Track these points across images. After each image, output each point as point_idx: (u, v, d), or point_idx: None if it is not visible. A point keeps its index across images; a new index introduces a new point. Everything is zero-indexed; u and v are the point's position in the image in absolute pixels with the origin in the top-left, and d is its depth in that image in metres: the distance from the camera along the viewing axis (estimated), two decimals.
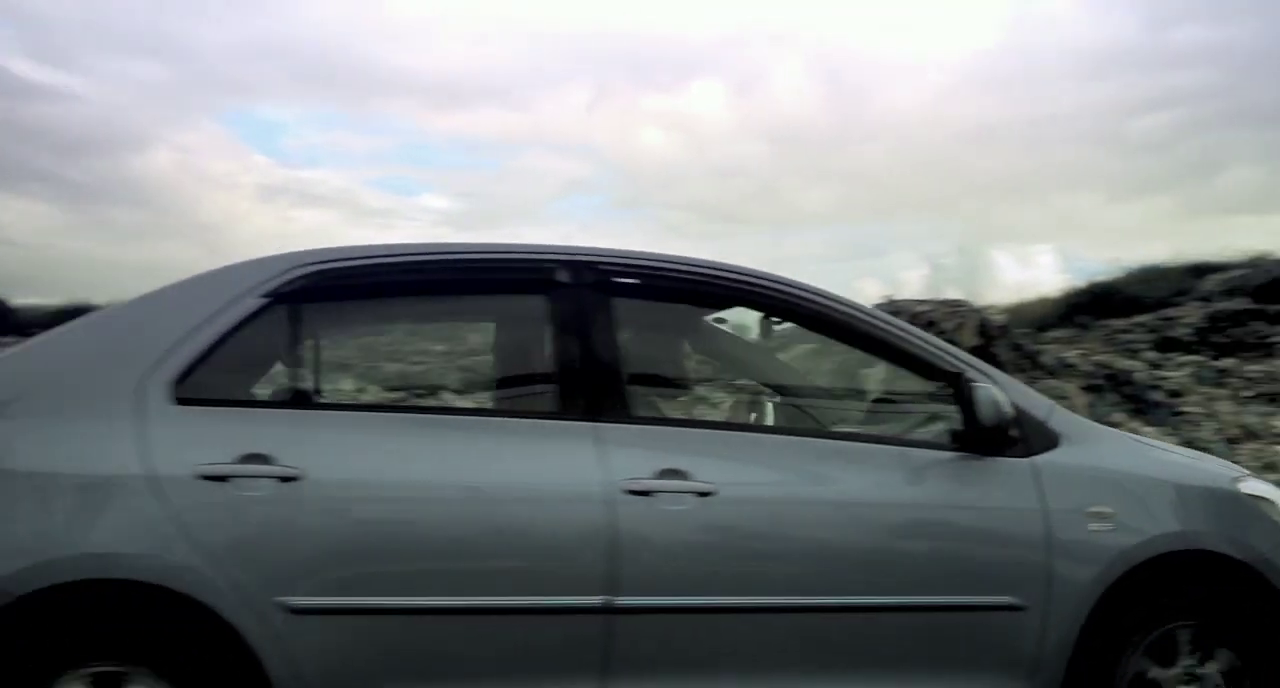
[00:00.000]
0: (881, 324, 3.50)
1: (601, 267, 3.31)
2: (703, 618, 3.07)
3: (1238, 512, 3.51)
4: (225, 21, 56.00)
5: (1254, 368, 13.76)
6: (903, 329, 3.54)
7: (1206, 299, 22.83)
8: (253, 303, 3.03)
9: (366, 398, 3.46)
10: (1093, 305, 24.42)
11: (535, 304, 3.29)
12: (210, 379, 2.98)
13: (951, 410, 3.34)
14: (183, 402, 2.86)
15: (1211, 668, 3.39)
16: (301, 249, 3.22)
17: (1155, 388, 11.87)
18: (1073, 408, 10.76)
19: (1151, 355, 14.58)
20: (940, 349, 3.48)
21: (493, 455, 3.01)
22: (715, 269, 3.48)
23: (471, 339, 3.71)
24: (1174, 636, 3.37)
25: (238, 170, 53.55)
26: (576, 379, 3.17)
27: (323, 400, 3.26)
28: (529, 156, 59.08)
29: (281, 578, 2.76)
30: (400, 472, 2.95)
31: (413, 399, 3.63)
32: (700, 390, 3.60)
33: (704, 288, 3.49)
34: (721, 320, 3.90)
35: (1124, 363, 12.52)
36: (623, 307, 3.28)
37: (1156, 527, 3.37)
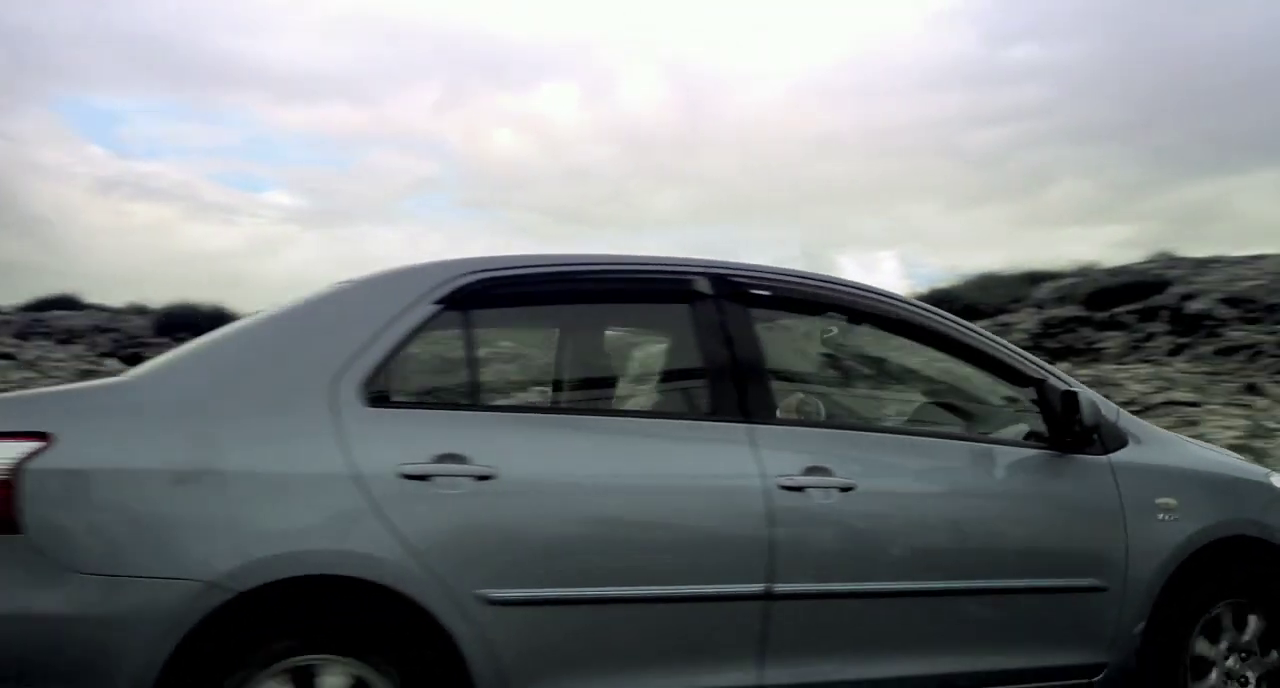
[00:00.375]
0: (976, 334, 3.91)
1: (736, 278, 3.57)
2: (845, 603, 3.33)
3: (1271, 502, 4.01)
4: (56, 4, 53.45)
5: (1084, 372, 14.53)
6: (993, 339, 3.99)
7: (1040, 306, 23.97)
8: (427, 309, 3.17)
9: (540, 401, 3.64)
10: None
11: (680, 313, 3.52)
12: (394, 382, 3.20)
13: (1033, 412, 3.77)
14: (373, 403, 2.99)
15: (1249, 635, 3.85)
16: (465, 257, 3.41)
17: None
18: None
19: None
20: (1025, 357, 3.94)
21: (663, 455, 3.26)
22: (831, 282, 3.86)
23: (627, 346, 3.86)
24: (1220, 614, 3.82)
25: (71, 161, 51.12)
26: (728, 383, 3.39)
27: (503, 403, 3.44)
28: (378, 154, 58.11)
29: (479, 572, 2.91)
30: (582, 470, 3.15)
31: (582, 402, 3.73)
32: (825, 392, 4.06)
33: (825, 298, 3.81)
34: (829, 330, 4.27)
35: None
36: (759, 316, 3.57)
37: (1211, 516, 3.84)
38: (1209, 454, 4.33)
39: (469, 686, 2.87)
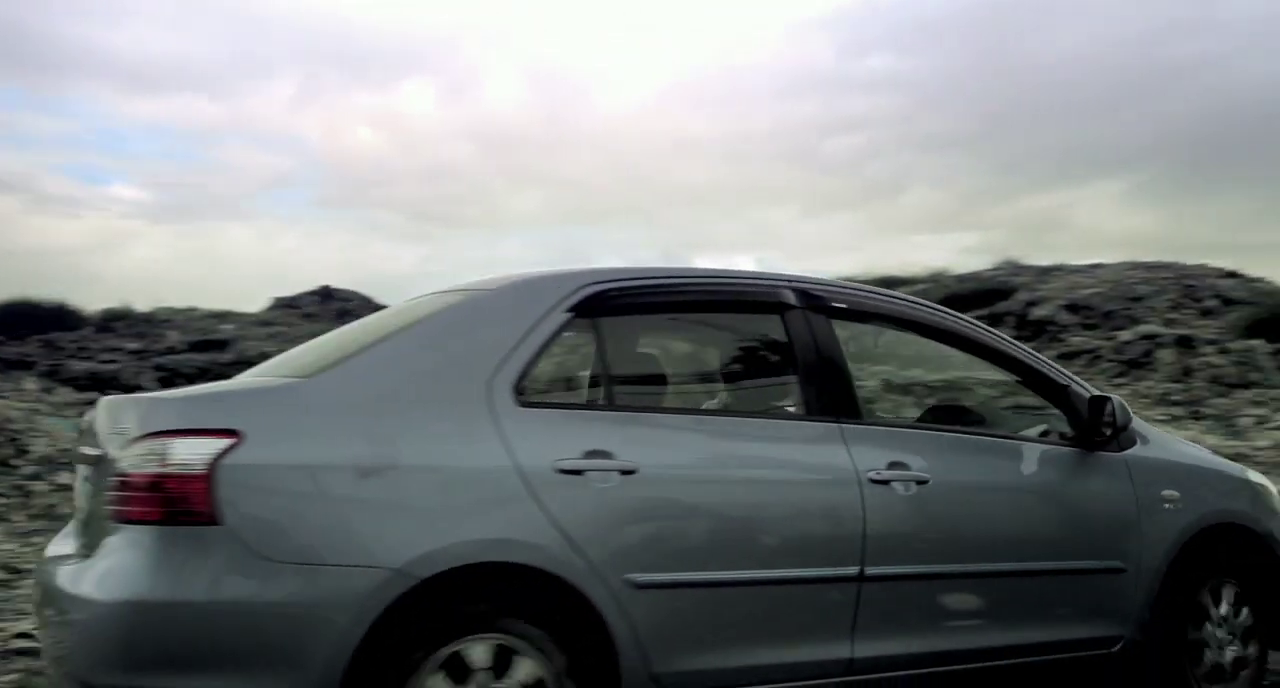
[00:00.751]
0: (1018, 348, 4.44)
1: (818, 291, 3.95)
2: (920, 584, 3.76)
3: (1250, 495, 4.67)
4: None
5: (935, 377, 14.96)
6: (1031, 352, 4.48)
7: None
8: (560, 316, 3.45)
9: (667, 402, 3.95)
10: None
11: (775, 322, 3.87)
12: (538, 383, 3.51)
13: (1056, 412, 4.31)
14: (524, 404, 3.25)
15: (1228, 603, 4.46)
16: (587, 268, 3.69)
17: None
18: None
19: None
20: (1052, 365, 4.45)
21: (773, 451, 3.64)
22: (897, 297, 4.35)
23: (731, 351, 4.24)
24: (1211, 587, 4.42)
25: None
26: (821, 387, 3.76)
27: (636, 404, 3.74)
28: (231, 148, 56.22)
29: (626, 559, 3.21)
30: (707, 466, 3.49)
31: (696, 402, 4.11)
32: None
33: (891, 312, 4.23)
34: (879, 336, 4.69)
35: None
36: (839, 326, 3.92)
37: (1205, 506, 4.43)
38: (1199, 453, 4.90)
39: (614, 658, 3.16)
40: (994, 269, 27.42)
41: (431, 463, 3.09)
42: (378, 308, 34.39)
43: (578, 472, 3.20)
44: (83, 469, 3.50)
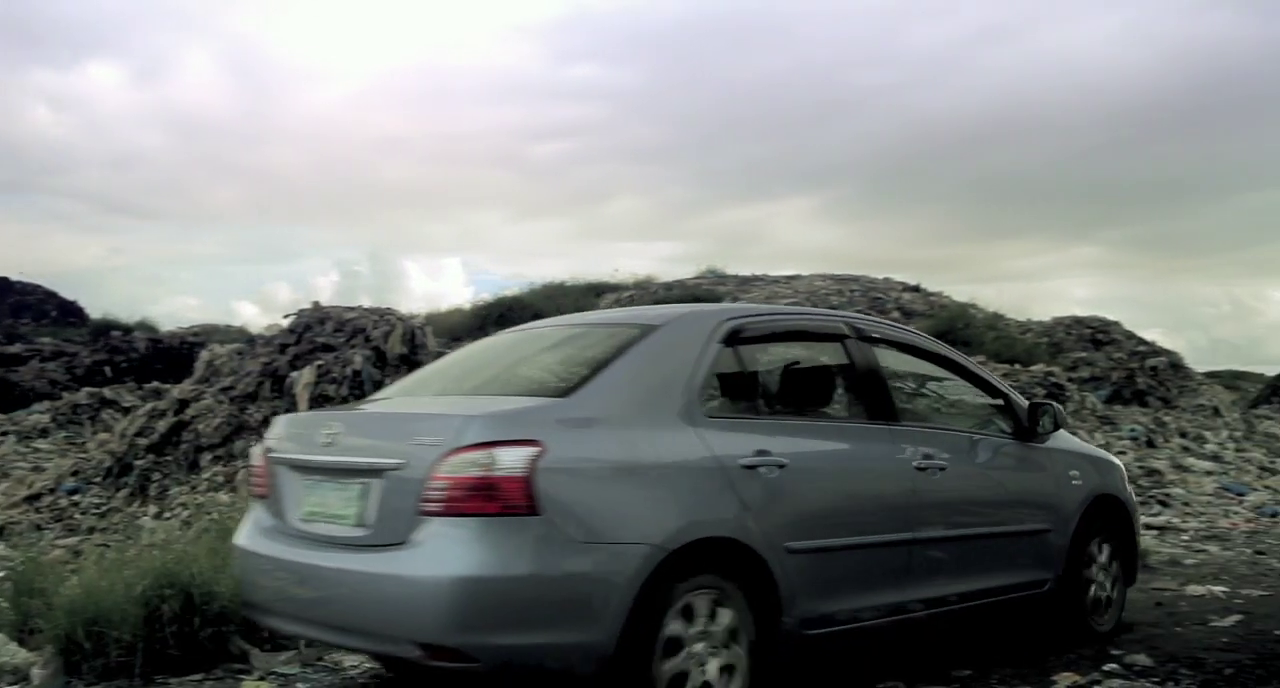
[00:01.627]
0: (980, 370, 5.83)
1: (862, 325, 5.28)
2: (941, 543, 4.96)
3: (1116, 473, 6.19)
4: None
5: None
6: (987, 372, 5.86)
7: None
8: (715, 347, 4.45)
9: (789, 410, 4.97)
10: (502, 318, 25.74)
11: (843, 349, 5.06)
12: (711, 400, 4.42)
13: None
14: (708, 415, 4.25)
15: (1105, 553, 5.88)
16: (723, 306, 5.08)
17: None
18: None
19: None
20: (997, 379, 5.87)
21: (861, 448, 4.80)
22: (914, 332, 6.00)
23: (823, 370, 5.39)
24: (1098, 544, 5.84)
25: None
26: (877, 399, 5.02)
27: (775, 412, 4.74)
28: None
29: (783, 530, 4.22)
30: (825, 460, 4.62)
31: (809, 411, 5.09)
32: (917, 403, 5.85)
33: (909, 342, 5.59)
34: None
35: None
36: (880, 353, 5.18)
37: (1093, 483, 5.84)
38: (1084, 444, 6.56)
39: (777, 598, 4.18)
40: (698, 278, 28.32)
41: (666, 463, 4.02)
42: (65, 302, 31.72)
43: (753, 467, 4.20)
44: (292, 473, 4.32)
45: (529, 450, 3.67)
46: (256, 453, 4.69)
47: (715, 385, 4.52)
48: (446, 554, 3.65)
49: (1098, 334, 22.16)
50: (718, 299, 23.14)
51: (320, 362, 10.90)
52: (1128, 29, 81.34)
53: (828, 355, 5.19)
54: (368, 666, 5.20)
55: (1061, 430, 5.92)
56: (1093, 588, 5.74)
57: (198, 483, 10.11)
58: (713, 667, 3.97)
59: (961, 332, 20.04)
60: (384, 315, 11.60)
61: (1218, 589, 7.14)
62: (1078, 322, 23.39)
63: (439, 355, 11.66)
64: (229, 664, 5.08)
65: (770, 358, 5.13)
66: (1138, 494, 8.15)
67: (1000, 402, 5.69)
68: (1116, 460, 6.45)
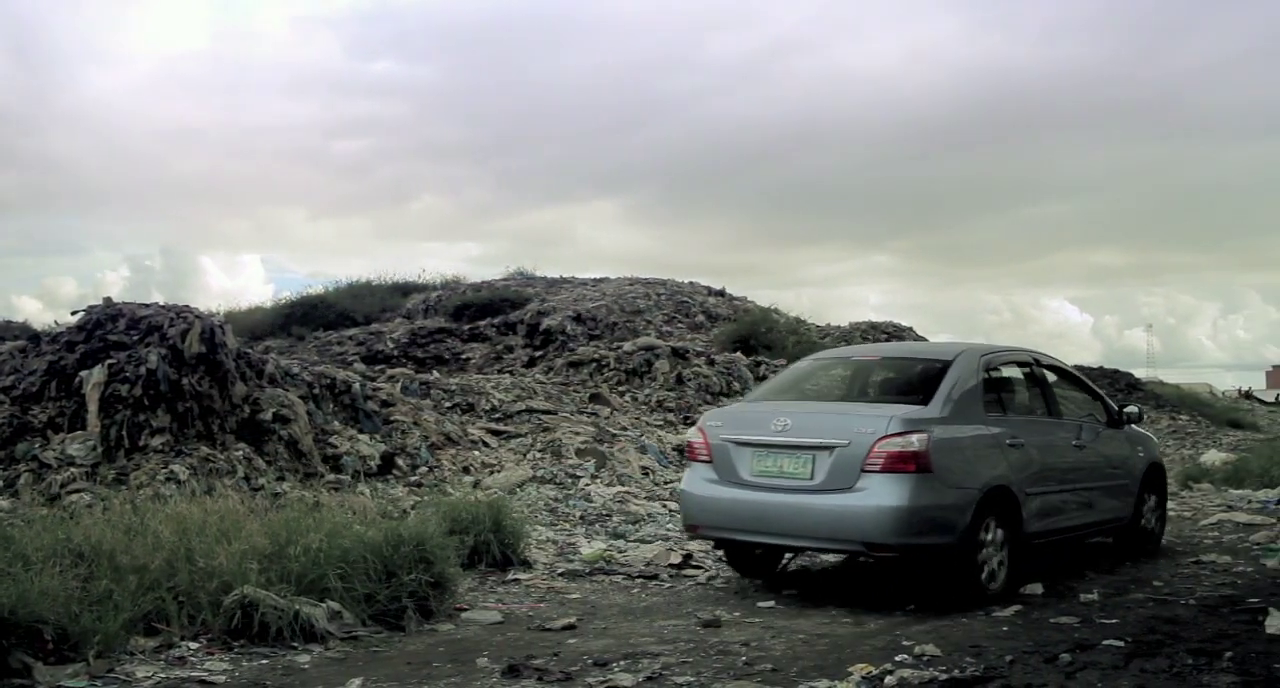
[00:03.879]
0: (1086, 379, 9.26)
1: (1041, 357, 8.59)
2: (1087, 491, 8.25)
3: (1157, 447, 10.24)
4: None
5: (451, 381, 15.06)
6: (1090, 382, 9.29)
7: (409, 317, 24.64)
8: (983, 373, 7.56)
9: (1021, 411, 8.14)
10: (306, 317, 25.09)
11: (1031, 372, 8.44)
12: (986, 405, 7.48)
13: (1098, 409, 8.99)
14: (987, 414, 7.36)
15: (1153, 501, 9.30)
16: (983, 344, 8.41)
17: (369, 398, 12.42)
18: (297, 417, 10.87)
19: (362, 367, 15.28)
20: (1097, 388, 9.30)
21: (1056, 433, 8.08)
22: (1053, 357, 8.94)
23: (1030, 384, 8.51)
24: (1149, 493, 9.18)
25: None
26: (1052, 402, 8.30)
27: (1013, 411, 7.91)
28: None
29: (1024, 481, 7.27)
30: (1039, 438, 7.75)
31: (1036, 411, 8.26)
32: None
33: (1054, 364, 8.81)
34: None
35: (342, 374, 12.93)
36: (1048, 377, 8.53)
37: (1150, 453, 9.37)
38: (1141, 430, 9.68)
39: (1020, 520, 7.21)
40: (506, 279, 28.25)
41: (978, 442, 7.12)
42: None
43: (1012, 445, 7.33)
44: (739, 448, 7.24)
45: (925, 435, 6.71)
46: (693, 432, 7.79)
47: (986, 395, 7.50)
48: (885, 494, 6.60)
49: (892, 339, 23.23)
50: (524, 301, 23.15)
51: (112, 360, 10.39)
52: (917, 50, 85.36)
53: (1028, 377, 8.43)
54: (161, 676, 5.05)
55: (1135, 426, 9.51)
56: (1148, 522, 9.12)
57: None
58: (994, 559, 7.04)
59: (764, 336, 20.68)
60: (181, 313, 11.12)
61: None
62: (873, 327, 24.54)
63: (240, 354, 11.31)
64: (10, 679, 4.84)
65: (1002, 377, 8.17)
66: None
67: (1098, 401, 8.98)
68: (1155, 439, 10.67)
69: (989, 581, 6.89)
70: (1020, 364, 8.36)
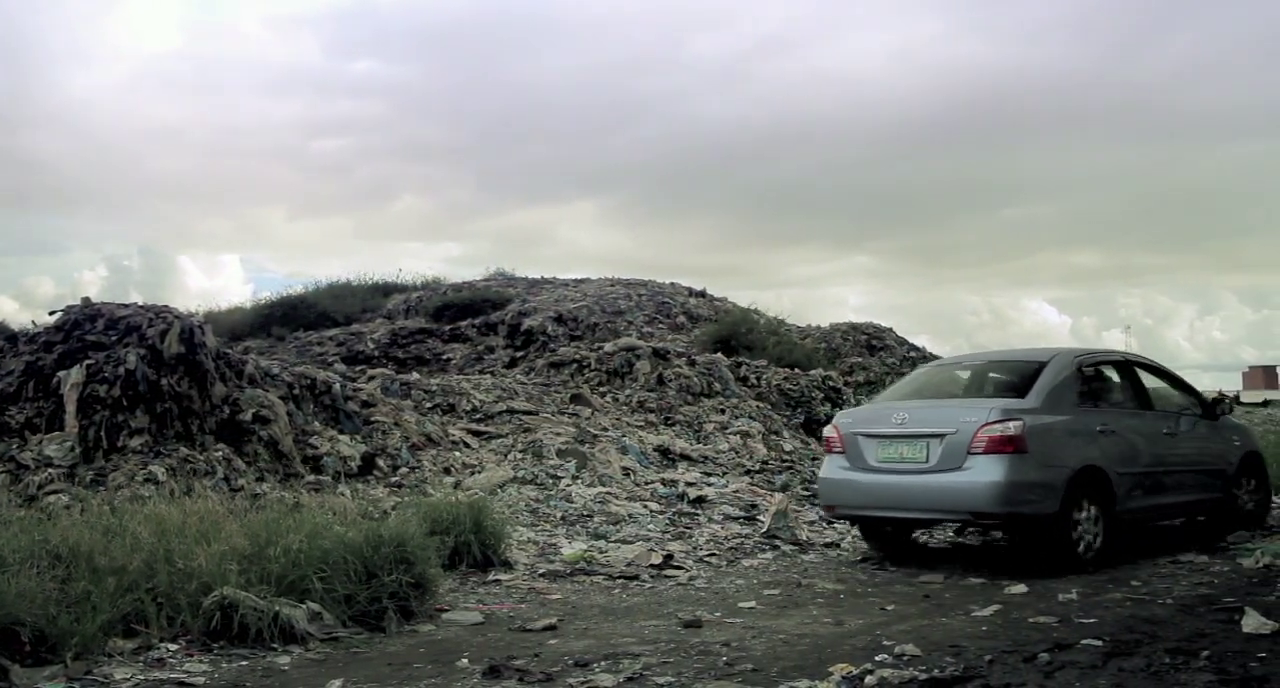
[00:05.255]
0: (1181, 377, 10.53)
1: (1131, 357, 10.00)
2: (1177, 473, 9.36)
3: (1255, 437, 11.20)
4: None
5: (432, 382, 15.02)
6: (1184, 378, 10.66)
7: (390, 317, 24.55)
8: (1076, 371, 8.85)
9: (1113, 403, 9.34)
10: (286, 317, 24.96)
11: (1122, 368, 9.72)
12: (1079, 397, 8.76)
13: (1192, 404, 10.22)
14: (1079, 405, 8.68)
15: (1252, 485, 10.47)
16: (1075, 347, 9.84)
17: (350, 399, 12.38)
18: (277, 418, 10.81)
19: (342, 367, 15.23)
20: (1190, 383, 10.50)
21: (1145, 422, 9.24)
22: (1144, 357, 10.44)
23: (1121, 381, 9.67)
24: (1246, 478, 10.30)
25: None
26: (1141, 395, 9.49)
27: (1105, 403, 9.12)
28: None
29: (1114, 462, 8.48)
30: (1130, 428, 8.95)
31: (1124, 403, 9.44)
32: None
33: (1146, 362, 10.13)
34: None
35: (322, 375, 12.88)
36: (1139, 374, 9.75)
37: (1246, 443, 10.42)
38: (1239, 422, 11.11)
39: (1113, 498, 8.35)
40: (487, 280, 28.17)
41: (1070, 428, 8.34)
42: None
43: (1102, 431, 8.50)
44: (866, 439, 8.65)
45: (1020, 422, 7.91)
46: (828, 429, 9.24)
47: (1079, 389, 8.67)
48: (990, 471, 7.82)
49: (872, 340, 23.30)
50: (505, 302, 23.11)
51: (90, 361, 10.32)
52: (899, 51, 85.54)
53: (1121, 374, 9.55)
54: (140, 678, 5.03)
55: (1228, 416, 10.57)
56: (1246, 503, 10.11)
57: None
58: (1090, 533, 8.13)
59: (745, 337, 20.67)
60: (160, 313, 11.05)
61: (976, 581, 7.70)
62: (853, 328, 24.50)
63: (219, 355, 11.25)
64: None
65: (1096, 374, 9.30)
66: None
67: (1192, 396, 10.08)
68: (1253, 431, 11.64)
69: (1085, 551, 8.05)
70: (1113, 363, 9.62)
